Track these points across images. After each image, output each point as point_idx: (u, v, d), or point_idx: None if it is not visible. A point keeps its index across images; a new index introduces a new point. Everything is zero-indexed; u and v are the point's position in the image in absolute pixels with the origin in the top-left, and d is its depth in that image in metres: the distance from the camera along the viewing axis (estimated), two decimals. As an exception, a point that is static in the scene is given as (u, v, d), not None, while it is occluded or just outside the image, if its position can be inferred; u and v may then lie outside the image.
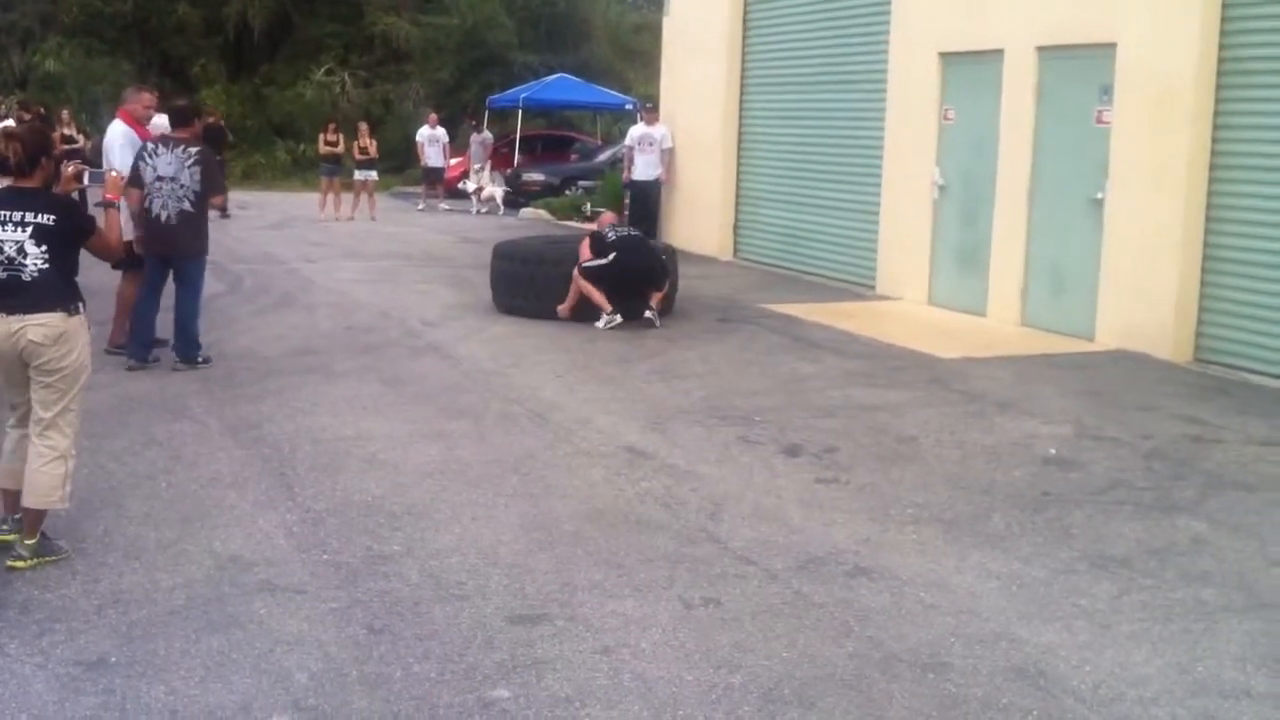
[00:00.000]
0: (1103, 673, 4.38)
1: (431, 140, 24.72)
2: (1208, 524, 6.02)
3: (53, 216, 5.31)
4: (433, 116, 25.68)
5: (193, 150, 9.00)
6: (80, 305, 5.37)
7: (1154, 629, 4.78)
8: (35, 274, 5.24)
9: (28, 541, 5.22)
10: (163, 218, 8.93)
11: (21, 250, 5.23)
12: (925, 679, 4.30)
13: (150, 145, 9.10)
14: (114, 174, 6.49)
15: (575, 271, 11.30)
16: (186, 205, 8.93)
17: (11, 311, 5.20)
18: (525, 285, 11.70)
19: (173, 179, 8.90)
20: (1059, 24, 10.98)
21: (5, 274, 5.23)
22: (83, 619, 4.67)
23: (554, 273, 11.51)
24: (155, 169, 8.90)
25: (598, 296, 11.17)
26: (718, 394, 8.57)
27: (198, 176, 8.94)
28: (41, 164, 5.45)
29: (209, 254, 9.49)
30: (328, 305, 12.17)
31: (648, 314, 11.22)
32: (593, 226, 12.53)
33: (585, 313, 11.28)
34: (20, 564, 5.19)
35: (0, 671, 4.22)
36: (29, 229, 5.26)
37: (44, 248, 5.26)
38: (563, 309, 11.32)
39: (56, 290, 5.28)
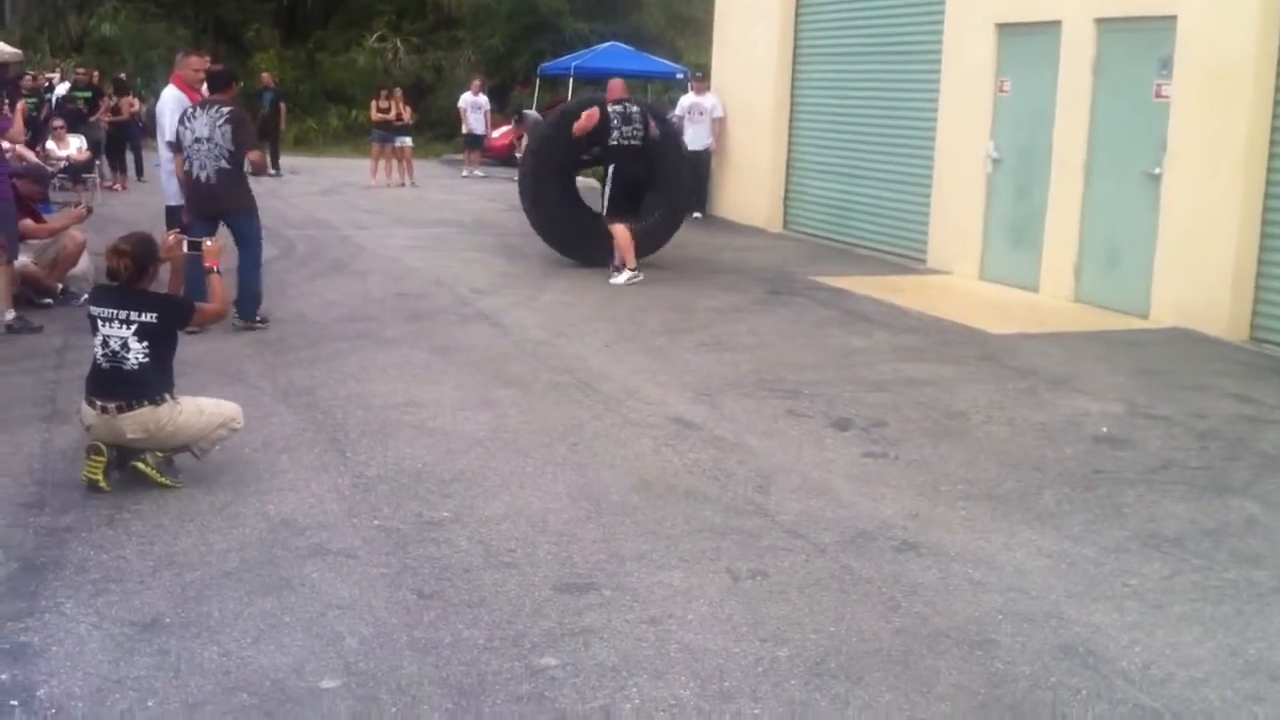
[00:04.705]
0: (1153, 653, 4.35)
1: (474, 107, 24.67)
2: (1261, 505, 5.95)
3: (155, 315, 5.72)
4: (476, 83, 25.67)
5: (224, 110, 9.22)
6: (167, 395, 5.74)
7: (1205, 610, 4.74)
8: (135, 366, 5.66)
9: (159, 454, 5.76)
10: (202, 178, 9.17)
11: (125, 345, 5.66)
12: (973, 656, 4.29)
13: (190, 109, 9.34)
14: (210, 244, 6.63)
15: (606, 218, 11.84)
16: (223, 163, 9.15)
17: (108, 400, 5.63)
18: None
19: (208, 139, 9.13)
20: (1119, -4, 10.83)
21: (108, 365, 5.67)
22: (137, 580, 4.74)
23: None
24: (193, 131, 9.16)
25: (627, 247, 11.54)
26: (766, 366, 8.55)
27: (229, 134, 9.14)
28: (149, 272, 5.87)
29: (259, 216, 9.60)
30: (379, 272, 12.23)
31: (612, 279, 11.61)
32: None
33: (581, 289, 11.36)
34: (142, 465, 5.69)
35: (56, 630, 4.30)
36: (133, 326, 5.67)
37: (145, 344, 5.68)
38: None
39: (152, 382, 5.72)
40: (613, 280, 11.56)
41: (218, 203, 9.22)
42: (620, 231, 11.65)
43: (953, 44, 12.96)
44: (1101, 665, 4.25)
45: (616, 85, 12.26)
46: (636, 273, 11.60)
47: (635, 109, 12.03)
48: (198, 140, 9.13)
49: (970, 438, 6.98)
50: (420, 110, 26.50)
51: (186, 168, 9.21)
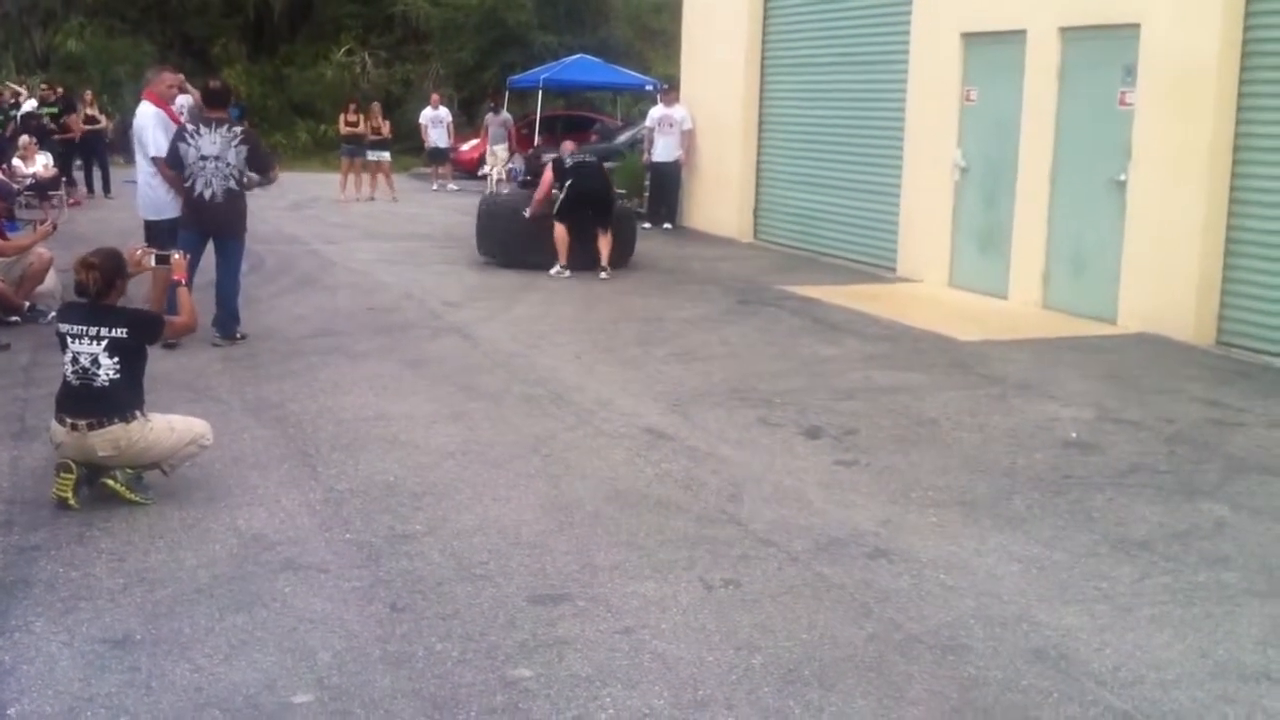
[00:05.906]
0: (1123, 655, 4.38)
1: (435, 121, 24.54)
2: (1229, 508, 6.01)
3: (125, 330, 5.69)
4: (435, 97, 25.62)
5: (237, 130, 9.20)
6: (138, 411, 5.71)
7: (1175, 612, 4.78)
8: (106, 382, 5.63)
9: (129, 470, 5.74)
10: (207, 196, 9.07)
11: (95, 361, 5.63)
12: (945, 661, 4.31)
13: (190, 127, 9.19)
14: (177, 257, 6.57)
15: (554, 217, 13.10)
16: (232, 184, 9.14)
17: (78, 417, 5.59)
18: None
19: (218, 158, 9.05)
20: (1082, 4, 10.91)
21: (78, 382, 5.63)
22: (108, 597, 4.71)
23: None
24: (199, 149, 9.02)
25: (560, 244, 12.95)
26: (738, 376, 8.57)
27: (244, 155, 9.16)
28: (116, 286, 5.84)
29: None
30: (349, 286, 12.20)
31: (602, 275, 12.79)
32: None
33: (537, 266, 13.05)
34: (112, 482, 5.66)
35: (27, 649, 4.27)
36: (104, 342, 5.64)
37: (116, 359, 5.65)
38: (529, 211, 13.32)
39: (123, 399, 5.68)
40: (550, 272, 12.91)
41: (219, 222, 9.17)
42: (559, 230, 12.96)
43: (919, 54, 13.04)
44: (1072, 668, 4.28)
45: (568, 145, 14.46)
46: (564, 269, 12.92)
47: (590, 158, 14.09)
48: (204, 158, 8.99)
49: (941, 444, 7.02)
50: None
51: (189, 184, 9.04)
